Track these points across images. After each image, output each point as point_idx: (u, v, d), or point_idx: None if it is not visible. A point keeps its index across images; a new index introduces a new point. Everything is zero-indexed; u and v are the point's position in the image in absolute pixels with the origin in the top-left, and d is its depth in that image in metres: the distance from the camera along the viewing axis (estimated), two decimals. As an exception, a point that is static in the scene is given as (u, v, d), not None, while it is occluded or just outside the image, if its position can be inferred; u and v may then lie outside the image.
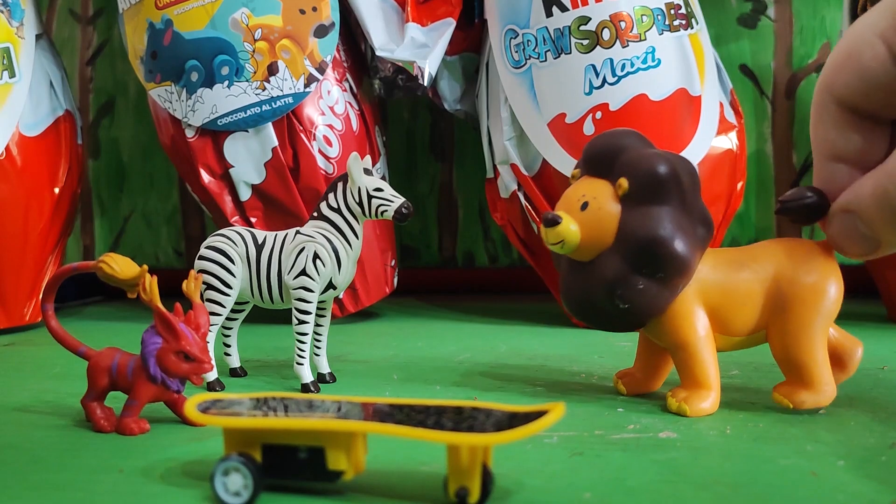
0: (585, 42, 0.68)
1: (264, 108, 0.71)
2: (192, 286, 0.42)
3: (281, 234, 0.49)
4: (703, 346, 0.41)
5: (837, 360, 0.41)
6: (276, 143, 0.72)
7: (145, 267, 0.40)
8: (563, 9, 0.69)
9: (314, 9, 0.73)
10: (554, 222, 0.40)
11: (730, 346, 0.42)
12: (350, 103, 0.76)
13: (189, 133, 0.73)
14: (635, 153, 0.40)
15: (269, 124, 0.71)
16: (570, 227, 0.40)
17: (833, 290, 0.39)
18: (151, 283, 0.39)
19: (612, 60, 0.68)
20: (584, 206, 0.41)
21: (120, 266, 0.39)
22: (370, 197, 0.47)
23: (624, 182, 0.40)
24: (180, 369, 0.38)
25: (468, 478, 0.27)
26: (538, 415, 0.27)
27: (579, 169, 0.43)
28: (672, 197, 0.39)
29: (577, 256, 0.42)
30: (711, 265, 0.41)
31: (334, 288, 0.48)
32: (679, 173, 0.39)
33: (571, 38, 0.69)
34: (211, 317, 0.48)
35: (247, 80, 0.71)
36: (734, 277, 0.41)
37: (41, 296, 0.44)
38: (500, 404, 0.29)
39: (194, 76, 0.72)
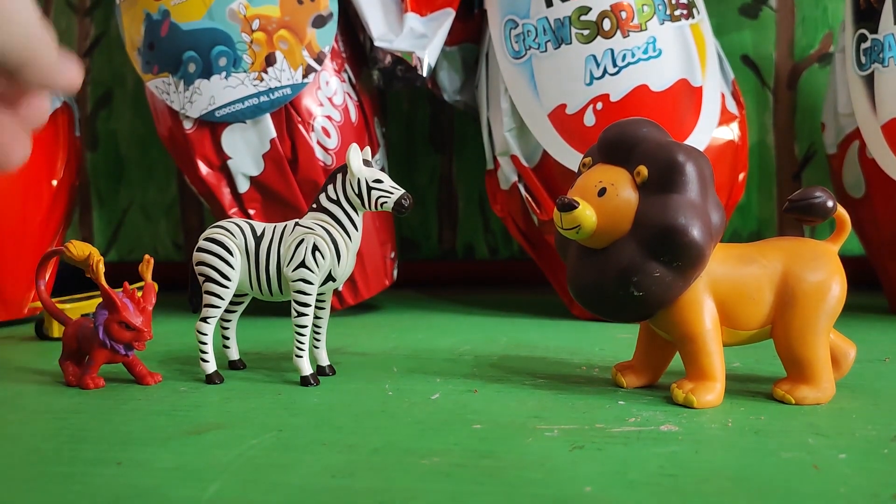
0: (586, 32, 0.68)
1: (262, 99, 0.70)
2: (143, 267, 0.48)
3: (280, 225, 0.49)
4: (710, 338, 0.41)
5: (832, 359, 0.42)
6: (274, 134, 0.71)
7: (94, 250, 0.48)
8: (564, -1, 0.68)
9: (313, -1, 0.73)
10: (570, 207, 0.40)
11: (736, 340, 0.42)
12: (349, 94, 0.75)
13: (187, 125, 0.73)
14: (654, 142, 0.40)
15: (268, 115, 0.71)
16: (586, 213, 0.40)
17: (837, 290, 0.40)
18: (97, 264, 0.47)
19: (612, 51, 0.67)
20: (602, 192, 0.40)
21: (76, 248, 0.48)
22: (369, 188, 0.47)
23: (643, 170, 0.40)
24: (123, 336, 0.47)
25: None
26: None
27: (591, 157, 0.43)
28: (690, 186, 0.39)
29: (590, 243, 0.41)
30: (721, 259, 0.41)
31: (334, 280, 0.48)
32: (697, 163, 0.39)
33: (572, 28, 0.68)
34: (210, 309, 0.48)
35: (244, 71, 0.70)
36: (743, 272, 0.41)
37: (35, 273, 0.52)
38: None
39: (192, 67, 0.71)
